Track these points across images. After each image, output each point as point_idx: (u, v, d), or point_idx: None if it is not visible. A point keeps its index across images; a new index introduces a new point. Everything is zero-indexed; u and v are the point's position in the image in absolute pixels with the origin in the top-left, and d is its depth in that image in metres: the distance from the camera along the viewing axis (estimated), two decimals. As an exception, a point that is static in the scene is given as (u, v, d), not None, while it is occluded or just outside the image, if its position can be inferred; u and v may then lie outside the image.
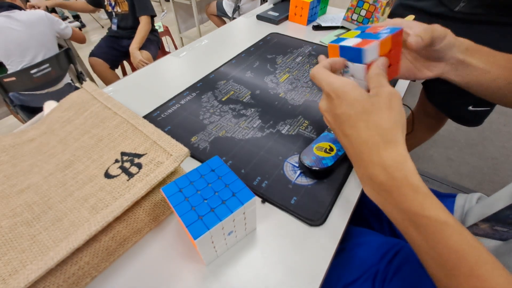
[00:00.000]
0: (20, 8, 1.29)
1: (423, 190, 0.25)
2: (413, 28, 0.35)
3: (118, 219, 0.31)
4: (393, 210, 0.27)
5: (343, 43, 0.32)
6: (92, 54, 1.70)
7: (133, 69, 1.90)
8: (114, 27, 1.72)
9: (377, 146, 0.27)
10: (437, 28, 0.34)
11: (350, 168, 0.41)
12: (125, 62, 2.01)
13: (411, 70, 0.40)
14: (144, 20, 1.65)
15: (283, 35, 0.78)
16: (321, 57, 0.36)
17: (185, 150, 0.34)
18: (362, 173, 0.30)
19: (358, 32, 0.35)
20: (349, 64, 0.33)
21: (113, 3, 1.64)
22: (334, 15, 0.88)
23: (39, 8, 1.59)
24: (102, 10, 1.76)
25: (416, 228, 0.25)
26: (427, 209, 0.24)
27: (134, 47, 1.61)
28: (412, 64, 0.40)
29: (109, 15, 1.71)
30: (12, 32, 1.22)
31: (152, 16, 1.70)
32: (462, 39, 0.37)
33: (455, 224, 0.24)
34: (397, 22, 0.36)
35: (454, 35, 0.36)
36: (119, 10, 1.66)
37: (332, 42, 0.34)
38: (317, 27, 0.81)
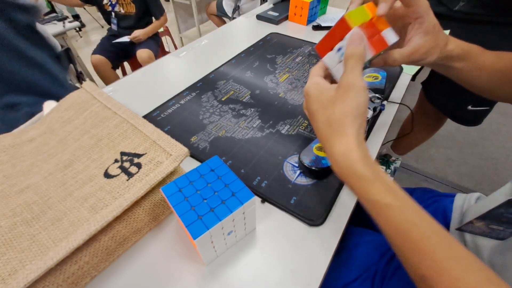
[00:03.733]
0: None
1: (368, 177, 0.26)
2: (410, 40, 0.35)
3: (117, 219, 0.31)
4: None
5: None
6: (94, 52, 1.68)
7: (133, 69, 1.89)
8: (114, 27, 1.71)
9: (330, 138, 0.29)
10: (419, 51, 0.35)
11: (349, 168, 0.41)
12: (125, 63, 2.00)
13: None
14: (162, 18, 1.73)
15: (283, 35, 0.78)
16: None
17: (185, 150, 0.34)
18: (329, 162, 0.31)
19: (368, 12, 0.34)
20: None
21: (114, 3, 1.62)
22: (334, 15, 0.88)
23: None
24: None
25: (370, 211, 0.27)
26: (372, 194, 0.26)
27: (140, 32, 1.65)
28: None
29: (107, 14, 1.69)
30: None
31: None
32: (448, 47, 0.36)
33: (399, 205, 0.25)
34: None
35: (439, 51, 0.35)
36: (122, 11, 1.65)
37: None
38: (317, 27, 0.81)
